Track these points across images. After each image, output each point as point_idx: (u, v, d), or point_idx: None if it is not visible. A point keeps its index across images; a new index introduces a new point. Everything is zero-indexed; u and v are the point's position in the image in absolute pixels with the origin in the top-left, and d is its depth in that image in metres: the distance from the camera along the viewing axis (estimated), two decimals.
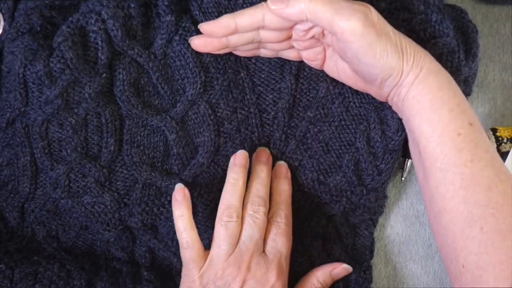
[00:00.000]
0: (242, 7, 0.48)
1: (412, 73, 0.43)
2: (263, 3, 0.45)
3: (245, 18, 0.45)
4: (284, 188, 0.52)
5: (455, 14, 0.50)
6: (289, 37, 0.47)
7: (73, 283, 0.51)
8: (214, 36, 0.47)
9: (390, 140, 0.51)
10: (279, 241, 0.50)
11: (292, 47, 0.49)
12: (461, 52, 0.47)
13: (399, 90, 0.44)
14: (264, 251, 0.49)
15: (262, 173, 0.52)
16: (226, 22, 0.46)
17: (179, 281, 0.52)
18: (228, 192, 0.50)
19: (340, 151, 0.53)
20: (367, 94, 0.51)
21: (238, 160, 0.51)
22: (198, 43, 0.48)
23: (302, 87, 0.52)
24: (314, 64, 0.50)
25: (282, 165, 0.54)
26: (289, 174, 0.53)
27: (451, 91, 0.43)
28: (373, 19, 0.42)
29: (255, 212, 0.49)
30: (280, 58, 0.51)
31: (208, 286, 0.48)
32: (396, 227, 0.58)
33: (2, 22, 0.48)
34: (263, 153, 0.53)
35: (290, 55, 0.50)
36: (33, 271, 0.50)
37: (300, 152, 0.54)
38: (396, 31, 0.44)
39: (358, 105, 0.52)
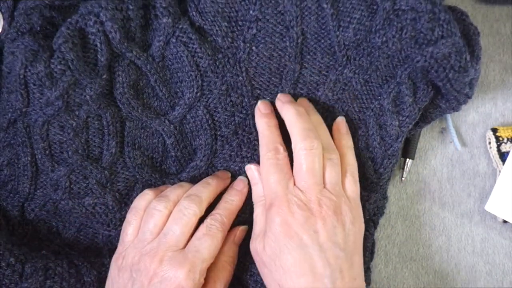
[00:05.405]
0: (239, 5, 0.49)
1: None
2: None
3: None
4: (233, 198, 0.51)
5: (456, 16, 0.48)
6: None
7: (83, 279, 0.50)
8: None
9: (389, 146, 0.51)
10: (204, 242, 0.47)
11: None
12: (467, 53, 0.46)
13: None
14: (184, 248, 0.47)
15: (210, 180, 0.52)
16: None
17: None
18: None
19: None
20: (367, 100, 0.51)
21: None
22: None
23: (301, 91, 0.52)
24: None
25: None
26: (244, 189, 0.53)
27: None
28: None
29: (185, 208, 0.48)
30: (280, 64, 0.51)
31: (124, 269, 0.47)
32: (396, 227, 0.58)
33: (2, 21, 0.48)
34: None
35: None
36: (43, 265, 0.49)
37: None
38: None
39: (357, 110, 0.52)
